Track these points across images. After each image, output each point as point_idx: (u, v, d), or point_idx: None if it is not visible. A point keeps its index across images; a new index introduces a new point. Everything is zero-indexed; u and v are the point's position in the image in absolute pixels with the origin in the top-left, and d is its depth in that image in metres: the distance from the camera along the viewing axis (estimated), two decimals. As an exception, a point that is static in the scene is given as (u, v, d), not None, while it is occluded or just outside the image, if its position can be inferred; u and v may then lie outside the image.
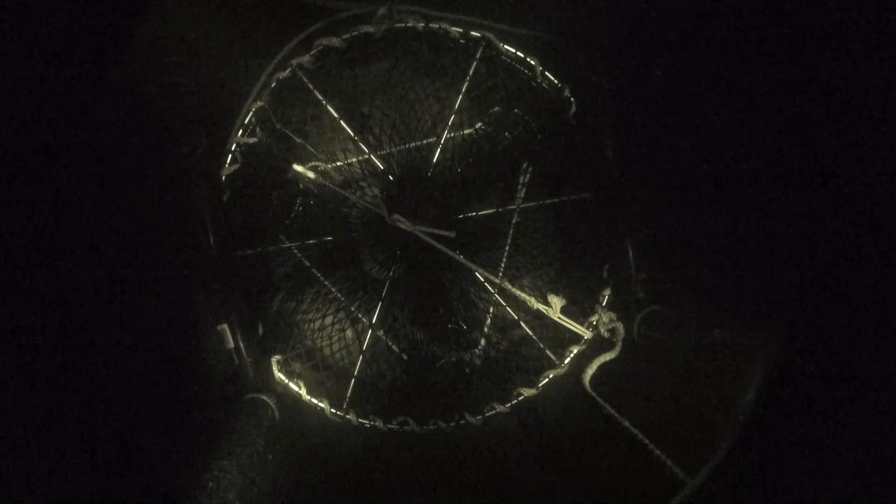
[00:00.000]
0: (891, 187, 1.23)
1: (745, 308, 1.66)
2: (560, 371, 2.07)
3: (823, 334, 1.31)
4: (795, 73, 1.39)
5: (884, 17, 1.20)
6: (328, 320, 2.14)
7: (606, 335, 2.06)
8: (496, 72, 2.08)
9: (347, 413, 2.05)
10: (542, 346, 2.13)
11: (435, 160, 2.11)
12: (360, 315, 2.17)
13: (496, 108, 2.10)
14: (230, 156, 2.03)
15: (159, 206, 1.88)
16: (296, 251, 2.14)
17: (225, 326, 1.95)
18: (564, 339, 2.12)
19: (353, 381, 2.13)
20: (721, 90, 1.65)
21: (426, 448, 2.06)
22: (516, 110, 2.09)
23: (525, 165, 2.16)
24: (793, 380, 1.33)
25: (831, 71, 1.31)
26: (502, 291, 2.11)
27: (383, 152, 2.11)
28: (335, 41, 1.98)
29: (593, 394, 1.93)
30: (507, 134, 2.11)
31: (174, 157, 1.93)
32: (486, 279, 2.10)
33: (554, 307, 2.00)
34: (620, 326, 2.02)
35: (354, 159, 2.12)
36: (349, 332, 2.19)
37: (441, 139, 2.10)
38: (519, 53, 2.06)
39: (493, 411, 2.05)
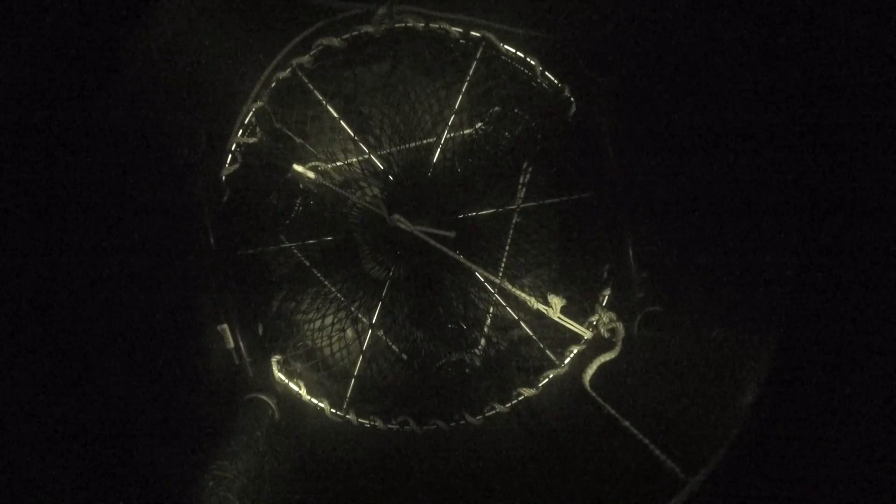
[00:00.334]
0: (891, 187, 1.23)
1: (744, 308, 1.66)
2: (560, 371, 2.07)
3: (823, 334, 1.31)
4: (796, 73, 1.39)
5: (884, 16, 1.20)
6: (328, 320, 2.14)
7: (606, 335, 2.06)
8: (496, 72, 2.08)
9: (347, 413, 2.05)
10: (542, 346, 2.13)
11: (435, 160, 2.11)
12: (360, 315, 2.17)
13: (496, 108, 2.10)
14: (230, 156, 2.03)
15: (159, 206, 1.88)
16: (296, 251, 2.14)
17: (225, 326, 1.96)
18: (564, 339, 2.12)
19: (353, 381, 2.13)
20: (721, 90, 1.65)
21: (426, 448, 2.06)
22: (516, 110, 2.09)
23: (525, 165, 2.16)
24: (793, 380, 1.33)
25: (832, 70, 1.31)
26: (502, 291, 2.11)
27: (383, 152, 2.11)
28: (335, 41, 1.99)
29: (593, 394, 1.93)
30: (507, 134, 2.11)
31: (174, 157, 1.93)
32: (486, 279, 2.10)
33: (554, 307, 2.00)
34: (620, 326, 2.02)
35: (354, 159, 2.12)
36: (349, 332, 2.19)
37: (441, 139, 2.10)
38: (519, 53, 2.06)
39: (493, 411, 2.06)
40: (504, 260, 2.15)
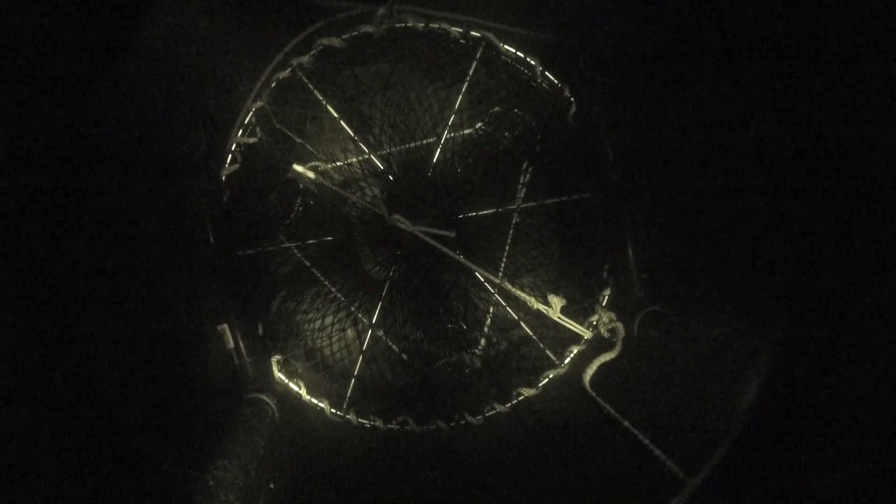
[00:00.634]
0: (890, 187, 1.23)
1: (744, 308, 1.65)
2: (560, 371, 2.07)
3: (823, 334, 1.31)
4: (796, 73, 1.39)
5: (884, 16, 1.20)
6: (328, 320, 2.14)
7: (606, 335, 2.06)
8: (496, 72, 2.08)
9: (347, 413, 2.05)
10: (542, 346, 2.13)
11: (435, 160, 2.11)
12: (360, 315, 2.17)
13: (496, 108, 2.10)
14: (230, 156, 2.03)
15: (159, 206, 1.87)
16: (296, 251, 2.14)
17: (225, 326, 1.95)
18: (564, 339, 2.12)
19: (353, 381, 2.13)
20: (721, 90, 1.65)
21: (426, 448, 2.06)
22: (516, 110, 2.09)
23: (525, 165, 2.16)
24: (793, 380, 1.33)
25: (832, 70, 1.31)
26: (502, 291, 2.11)
27: (383, 152, 2.11)
28: (335, 41, 1.98)
29: (593, 394, 1.93)
30: (507, 134, 2.11)
31: (174, 157, 1.93)
32: (486, 279, 2.10)
33: (554, 307, 2.00)
34: (620, 326, 2.02)
35: (354, 159, 2.12)
36: (349, 332, 2.19)
37: (441, 139, 2.10)
38: (519, 53, 2.06)
39: (493, 411, 2.06)
40: (504, 260, 2.15)
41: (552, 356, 2.11)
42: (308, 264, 2.15)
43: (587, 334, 2.08)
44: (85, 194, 1.56)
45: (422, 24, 2.01)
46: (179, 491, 1.45)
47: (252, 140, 2.04)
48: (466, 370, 2.14)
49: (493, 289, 2.15)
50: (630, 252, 2.04)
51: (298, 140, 2.07)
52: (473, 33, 2.04)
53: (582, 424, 1.95)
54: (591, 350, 2.08)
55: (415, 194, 2.08)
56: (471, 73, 2.07)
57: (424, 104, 2.09)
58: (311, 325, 2.15)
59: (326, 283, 2.16)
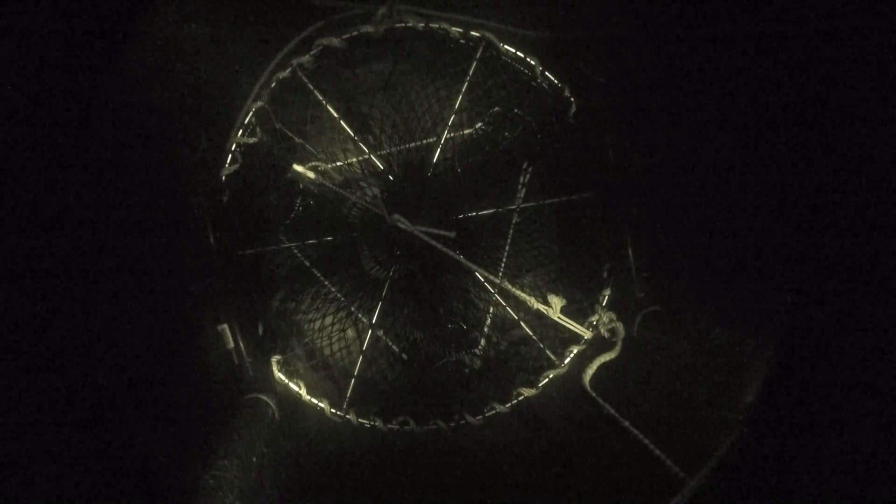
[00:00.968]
0: (891, 187, 1.23)
1: (744, 308, 1.65)
2: (560, 371, 2.07)
3: (823, 334, 1.30)
4: (796, 74, 1.39)
5: (884, 15, 1.20)
6: (328, 320, 2.14)
7: (606, 335, 2.06)
8: (496, 72, 2.08)
9: (347, 413, 2.05)
10: (542, 346, 2.13)
11: (435, 160, 2.11)
12: (360, 315, 2.17)
13: (496, 108, 2.10)
14: (230, 156, 2.03)
15: (159, 206, 1.87)
16: (296, 251, 2.14)
17: (225, 326, 1.96)
18: (564, 339, 2.12)
19: (353, 381, 2.13)
20: (721, 90, 1.65)
21: (426, 448, 2.06)
22: (516, 110, 2.09)
23: (525, 165, 2.16)
24: (792, 380, 1.33)
25: (832, 71, 1.31)
26: (502, 291, 2.11)
27: (383, 152, 2.11)
28: (335, 41, 1.98)
29: (593, 394, 1.93)
30: (507, 134, 2.11)
31: (174, 157, 1.93)
32: (486, 279, 2.10)
33: (554, 307, 2.00)
34: (620, 326, 2.02)
35: (354, 159, 2.12)
36: (349, 332, 2.19)
37: (441, 139, 2.10)
38: (519, 53, 2.06)
39: (493, 411, 2.05)
40: (504, 260, 2.15)
41: (552, 356, 2.11)
42: (308, 264, 2.15)
43: (587, 334, 2.08)
44: (85, 194, 1.56)
45: (422, 24, 2.00)
46: (179, 491, 1.45)
47: (252, 140, 2.04)
48: (466, 370, 2.14)
49: (493, 289, 2.15)
50: (630, 252, 2.04)
51: (298, 140, 2.07)
52: (473, 33, 2.04)
53: (582, 424, 1.95)
54: (591, 350, 2.08)
55: (415, 194, 2.08)
56: (471, 73, 2.07)
57: (424, 104, 2.09)
58: (312, 325, 2.15)
59: (326, 283, 2.16)
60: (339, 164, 2.12)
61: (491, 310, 2.18)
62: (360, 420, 2.05)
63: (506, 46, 2.05)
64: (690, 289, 1.91)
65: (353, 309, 2.15)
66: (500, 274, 2.12)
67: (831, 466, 1.21)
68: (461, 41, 2.07)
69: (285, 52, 2.02)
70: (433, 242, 1.95)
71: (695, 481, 1.37)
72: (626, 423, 1.72)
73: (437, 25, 2.02)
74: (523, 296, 1.99)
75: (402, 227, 1.94)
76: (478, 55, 2.07)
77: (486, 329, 2.17)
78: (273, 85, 2.03)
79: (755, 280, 1.61)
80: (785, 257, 1.48)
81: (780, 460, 1.27)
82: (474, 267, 1.99)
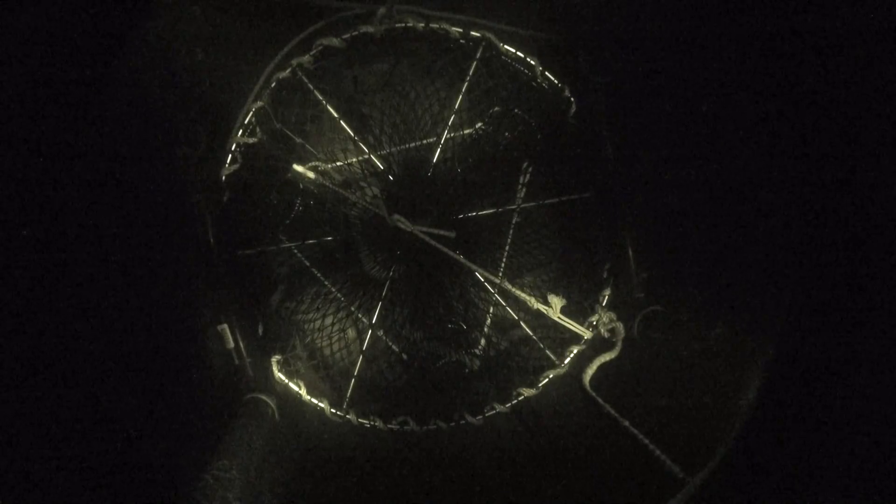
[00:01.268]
0: (891, 187, 1.23)
1: (744, 308, 1.66)
2: (560, 371, 2.07)
3: (822, 334, 1.31)
4: (796, 74, 1.39)
5: (884, 15, 1.20)
6: (328, 320, 2.14)
7: (606, 335, 2.06)
8: (496, 72, 2.08)
9: (347, 413, 2.05)
10: (542, 346, 2.13)
11: (435, 160, 2.11)
12: (360, 315, 2.17)
13: (496, 108, 2.10)
14: (230, 156, 2.03)
15: (159, 206, 1.88)
16: (296, 251, 2.14)
17: (225, 326, 1.96)
18: (564, 339, 2.12)
19: (353, 381, 2.13)
20: (721, 90, 1.65)
21: (426, 448, 2.06)
22: (516, 110, 2.09)
23: (525, 165, 2.16)
24: (792, 380, 1.33)
25: (832, 72, 1.31)
26: (502, 291, 2.11)
27: (383, 152, 2.11)
28: (335, 41, 1.98)
29: (593, 394, 1.93)
30: (507, 134, 2.11)
31: (174, 157, 1.93)
32: (486, 279, 2.10)
33: (554, 307, 2.00)
34: (620, 326, 2.02)
35: (354, 159, 2.12)
36: (349, 332, 2.19)
37: (441, 139, 2.10)
38: (519, 53, 2.06)
39: (493, 411, 2.05)
40: (504, 260, 2.15)
41: (552, 356, 2.11)
42: (308, 264, 2.15)
43: (587, 334, 2.07)
44: (85, 194, 1.56)
45: (422, 24, 2.01)
46: (179, 491, 1.45)
47: (252, 140, 2.04)
48: (466, 370, 2.14)
49: (493, 289, 2.15)
50: (630, 252, 2.04)
51: (298, 140, 2.07)
52: (473, 33, 2.04)
53: (582, 424, 1.95)
54: (591, 350, 2.08)
55: (415, 194, 2.08)
56: (471, 73, 2.07)
57: (424, 104, 2.09)
58: (312, 325, 2.15)
59: (326, 283, 2.16)
60: (339, 164, 2.12)
61: (491, 310, 2.18)
62: (360, 420, 2.05)
63: (506, 46, 2.05)
64: (690, 289, 1.91)
65: (353, 309, 2.15)
66: (500, 274, 2.12)
67: (831, 466, 1.21)
68: (461, 41, 2.07)
69: (285, 52, 2.02)
70: (433, 242, 1.95)
71: (695, 481, 1.37)
72: (626, 423, 1.73)
73: (436, 25, 2.02)
74: (523, 296, 1.99)
75: (402, 227, 1.94)
76: (478, 55, 2.07)
77: (485, 329, 2.17)
78: (273, 85, 2.03)
79: (755, 280, 1.62)
80: (785, 257, 1.48)
81: (780, 460, 1.27)
82: (474, 267, 1.99)
